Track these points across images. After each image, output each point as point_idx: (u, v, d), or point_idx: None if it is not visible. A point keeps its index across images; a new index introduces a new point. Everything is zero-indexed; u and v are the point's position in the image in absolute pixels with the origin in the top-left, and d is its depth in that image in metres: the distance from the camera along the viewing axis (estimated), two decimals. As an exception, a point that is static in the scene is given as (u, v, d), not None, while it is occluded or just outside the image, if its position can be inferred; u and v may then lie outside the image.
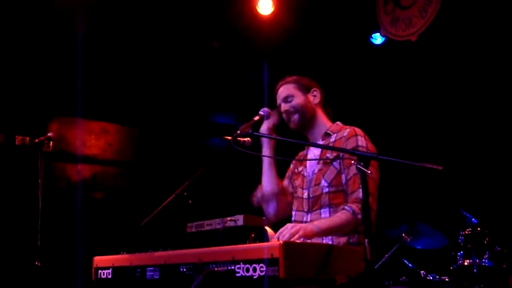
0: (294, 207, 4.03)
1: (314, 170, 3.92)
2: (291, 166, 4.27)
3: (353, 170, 3.66)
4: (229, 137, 3.47)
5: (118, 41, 7.37)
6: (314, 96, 4.05)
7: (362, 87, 8.08)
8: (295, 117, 3.97)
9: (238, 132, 3.45)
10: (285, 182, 4.24)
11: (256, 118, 3.65)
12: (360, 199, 3.52)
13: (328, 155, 3.86)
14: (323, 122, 4.05)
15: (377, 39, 7.67)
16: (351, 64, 8.04)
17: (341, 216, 3.56)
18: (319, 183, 3.82)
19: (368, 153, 2.87)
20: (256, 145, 3.58)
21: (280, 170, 4.22)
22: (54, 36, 6.90)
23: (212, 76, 8.21)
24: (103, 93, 7.52)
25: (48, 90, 7.01)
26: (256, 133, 3.44)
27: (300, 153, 4.25)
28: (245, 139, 3.56)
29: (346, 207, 3.58)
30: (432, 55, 7.23)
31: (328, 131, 3.97)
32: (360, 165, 2.79)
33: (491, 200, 6.38)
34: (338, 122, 4.08)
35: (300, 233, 3.22)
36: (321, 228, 3.43)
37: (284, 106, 4.00)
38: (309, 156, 4.09)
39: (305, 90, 4.04)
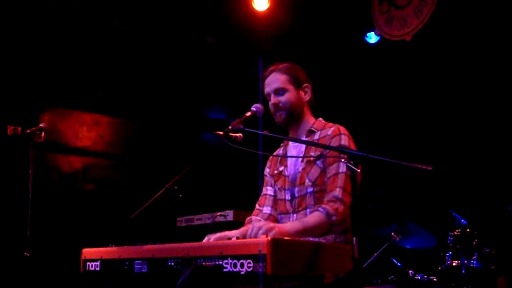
0: (279, 210, 3.97)
1: (297, 169, 3.86)
2: (267, 169, 4.19)
3: (333, 169, 3.64)
4: (220, 132, 3.46)
5: (113, 34, 7.37)
6: (306, 92, 3.99)
7: (355, 85, 8.09)
8: (283, 113, 3.91)
9: (230, 127, 3.44)
10: (268, 190, 4.11)
11: (248, 114, 3.64)
12: (336, 196, 3.53)
13: (311, 153, 3.81)
14: (308, 119, 4.00)
15: (372, 38, 7.69)
16: (345, 62, 8.06)
17: (314, 217, 3.52)
18: (304, 183, 3.77)
19: (358, 152, 2.87)
20: (248, 140, 3.57)
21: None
22: (47, 27, 6.89)
23: (206, 71, 8.22)
24: (96, 85, 7.51)
25: (40, 81, 7.00)
26: (247, 129, 3.44)
27: (277, 151, 4.19)
28: (237, 134, 3.55)
29: (320, 208, 3.54)
30: (426, 56, 7.24)
31: (312, 128, 3.92)
32: (350, 163, 2.80)
33: (480, 202, 6.39)
34: (320, 119, 4.03)
35: (274, 231, 3.22)
36: (295, 230, 3.40)
37: (274, 99, 3.93)
38: (289, 153, 4.03)
39: (298, 84, 3.96)
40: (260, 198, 4.15)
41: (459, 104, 6.99)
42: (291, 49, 7.69)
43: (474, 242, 5.49)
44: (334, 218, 3.47)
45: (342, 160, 2.92)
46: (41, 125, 5.47)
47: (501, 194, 6.02)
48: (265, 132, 3.43)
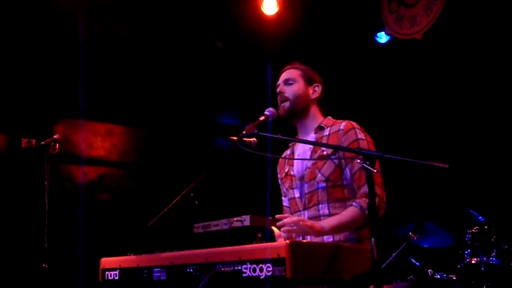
0: (291, 210, 3.95)
1: (306, 165, 3.83)
2: (278, 175, 4.17)
3: (357, 164, 3.61)
4: (234, 138, 3.46)
5: (123, 42, 7.39)
6: (315, 90, 3.97)
7: (368, 86, 8.07)
8: (286, 104, 3.89)
9: (244, 132, 3.44)
10: (284, 202, 4.11)
11: (262, 118, 3.63)
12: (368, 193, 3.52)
13: (323, 149, 3.77)
14: (316, 116, 3.97)
15: (382, 37, 7.67)
16: (357, 64, 8.04)
17: (349, 213, 3.53)
18: (314, 178, 3.74)
19: (373, 152, 2.86)
20: (262, 145, 3.57)
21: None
22: (59, 38, 6.92)
23: (217, 77, 8.22)
24: (108, 94, 7.53)
25: (53, 92, 7.03)
26: (262, 133, 3.43)
27: (284, 153, 4.17)
28: (251, 139, 3.55)
29: (354, 203, 3.54)
30: (438, 54, 7.21)
31: (322, 125, 3.88)
32: (366, 164, 2.79)
33: (498, 198, 6.36)
34: (329, 117, 3.99)
35: (310, 234, 3.24)
36: (331, 226, 3.43)
37: (281, 87, 3.95)
38: (297, 152, 3.99)
39: (308, 81, 3.96)
40: (283, 209, 4.15)
41: (473, 101, 6.95)
42: (301, 52, 7.68)
43: (492, 239, 5.46)
44: (367, 212, 3.46)
45: (358, 161, 2.90)
46: (55, 136, 5.49)
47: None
48: (278, 136, 3.43)
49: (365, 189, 3.54)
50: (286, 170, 4.00)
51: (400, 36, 7.29)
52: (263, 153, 3.51)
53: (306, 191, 3.80)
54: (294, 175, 3.91)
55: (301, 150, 3.97)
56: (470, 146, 6.89)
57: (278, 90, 3.96)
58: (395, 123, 7.71)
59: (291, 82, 3.94)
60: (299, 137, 4.01)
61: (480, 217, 5.61)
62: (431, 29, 6.92)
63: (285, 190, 4.03)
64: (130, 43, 7.44)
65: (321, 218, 3.67)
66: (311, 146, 3.87)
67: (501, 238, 5.49)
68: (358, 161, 2.89)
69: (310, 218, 3.72)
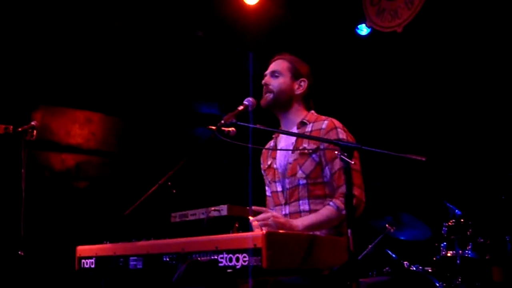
0: (273, 203, 3.96)
1: (288, 160, 3.84)
2: (261, 166, 4.16)
3: (338, 163, 3.62)
4: (213, 127, 3.45)
5: (103, 30, 7.33)
6: (300, 85, 3.95)
7: (347, 78, 8.09)
8: (269, 96, 3.89)
9: (222, 122, 3.43)
10: (267, 191, 4.12)
11: (241, 108, 3.62)
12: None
13: (305, 145, 3.78)
14: (299, 111, 3.95)
15: (363, 30, 7.68)
16: (337, 55, 8.05)
17: (325, 212, 3.55)
18: (295, 174, 3.75)
19: (352, 144, 2.87)
20: (241, 135, 3.56)
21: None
22: (38, 24, 6.86)
23: (197, 66, 8.19)
24: (87, 82, 7.48)
25: (32, 79, 6.97)
26: (240, 123, 3.42)
27: (268, 144, 4.16)
28: (230, 129, 3.54)
29: (330, 203, 3.56)
30: (417, 47, 7.24)
31: (304, 120, 3.88)
32: (344, 155, 2.79)
33: (474, 192, 6.41)
34: (312, 111, 3.99)
35: (284, 229, 3.27)
36: (304, 225, 3.46)
37: (267, 79, 3.94)
38: (280, 145, 3.99)
39: (295, 75, 3.95)
40: (266, 199, 4.16)
41: (452, 95, 7.00)
42: (282, 43, 7.67)
43: (468, 232, 5.50)
44: (344, 212, 3.47)
45: (336, 152, 2.90)
46: (32, 123, 5.43)
47: (495, 184, 6.03)
48: (257, 126, 3.42)
49: (343, 189, 3.54)
50: (269, 162, 4.00)
51: (381, 29, 7.30)
52: (242, 143, 3.50)
53: (288, 186, 3.81)
54: (276, 169, 3.91)
55: (284, 144, 3.96)
56: (448, 139, 6.93)
57: (263, 81, 3.95)
58: (374, 116, 7.74)
59: (277, 75, 3.93)
60: (281, 129, 4.01)
61: (456, 211, 5.65)
62: (411, 22, 6.94)
63: (268, 182, 4.03)
64: (111, 31, 7.39)
65: (302, 213, 3.70)
66: (293, 141, 3.87)
67: (477, 232, 5.53)
68: (336, 152, 2.89)
69: (291, 213, 3.75)
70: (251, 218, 3.56)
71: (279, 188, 3.87)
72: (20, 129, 5.37)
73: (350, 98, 7.94)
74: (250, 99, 3.71)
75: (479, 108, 6.75)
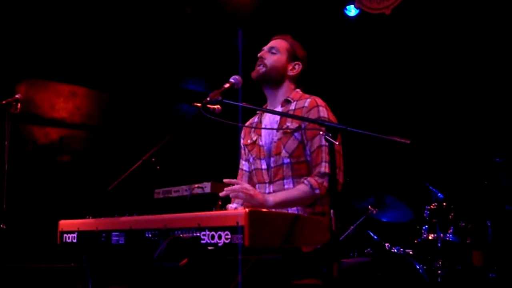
0: (256, 179, 3.95)
1: (273, 138, 3.85)
2: (242, 140, 4.17)
3: (316, 142, 3.64)
4: (198, 104, 3.43)
5: (89, 4, 7.27)
6: (294, 68, 3.97)
7: (334, 58, 8.07)
8: (262, 69, 3.90)
9: (208, 99, 3.42)
10: (244, 165, 4.12)
11: (227, 85, 3.60)
12: (322, 173, 3.56)
13: (288, 124, 3.78)
14: (287, 91, 3.96)
15: (351, 11, 7.67)
16: (325, 35, 8.03)
17: (298, 190, 3.57)
18: (280, 153, 3.76)
19: (337, 125, 2.86)
20: (226, 112, 3.55)
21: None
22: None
23: (185, 42, 8.15)
24: (72, 55, 7.42)
25: (16, 52, 6.91)
26: (226, 101, 3.41)
27: (251, 120, 4.18)
28: (215, 106, 3.52)
29: (305, 181, 3.56)
30: (406, 30, 7.24)
31: (289, 98, 3.89)
32: (328, 136, 2.79)
33: (457, 176, 6.44)
34: (298, 90, 4.00)
35: (252, 203, 3.28)
36: (275, 201, 3.47)
37: (263, 53, 3.96)
38: (264, 123, 4.00)
39: (292, 57, 3.97)
40: (238, 172, 4.15)
41: (437, 79, 7.01)
42: (270, 20, 7.65)
43: (450, 216, 5.54)
44: (317, 191, 3.49)
45: (321, 132, 2.91)
46: (17, 96, 5.40)
47: (477, 169, 6.07)
48: (244, 104, 3.41)
49: (319, 168, 3.58)
50: (254, 138, 3.99)
51: (370, 10, 7.30)
52: (227, 120, 3.49)
53: (272, 165, 3.82)
54: (262, 146, 3.91)
55: (268, 121, 3.97)
56: (433, 123, 6.95)
57: (260, 54, 3.97)
58: (360, 97, 7.74)
59: (275, 52, 3.95)
60: (267, 107, 4.01)
61: (439, 194, 5.68)
62: (400, 4, 6.93)
63: (251, 159, 4.01)
64: (98, 4, 7.32)
65: None
66: (278, 119, 3.88)
67: (459, 216, 5.57)
68: (321, 132, 2.90)
69: (274, 191, 3.75)
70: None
71: (264, 166, 3.87)
72: (4, 102, 5.34)
73: (336, 79, 7.93)
74: (237, 77, 3.69)
75: (464, 92, 6.77)
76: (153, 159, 3.62)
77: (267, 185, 3.84)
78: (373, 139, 2.77)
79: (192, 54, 8.30)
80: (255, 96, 3.92)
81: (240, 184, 3.43)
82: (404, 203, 5.77)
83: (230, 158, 4.43)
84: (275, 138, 3.82)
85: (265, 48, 4.01)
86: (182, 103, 8.53)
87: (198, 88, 8.81)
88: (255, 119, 4.13)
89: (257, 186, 3.92)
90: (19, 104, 5.38)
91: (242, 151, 4.15)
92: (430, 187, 5.74)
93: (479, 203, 5.87)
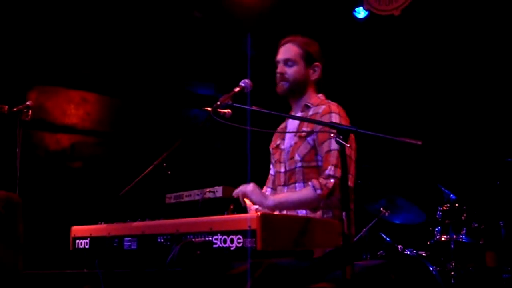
0: (276, 182, 4.01)
1: (291, 143, 3.88)
2: (272, 143, 4.19)
3: (326, 147, 3.65)
4: (209, 108, 3.44)
5: (99, 10, 7.29)
6: (314, 71, 3.98)
7: (344, 60, 8.06)
8: (285, 84, 3.90)
9: (218, 103, 3.42)
10: (271, 170, 4.17)
11: (237, 89, 3.61)
12: (327, 174, 3.56)
13: (304, 128, 3.82)
14: (310, 96, 3.97)
15: (360, 13, 7.66)
16: (334, 38, 8.02)
17: (300, 192, 3.62)
18: (293, 157, 3.79)
19: (347, 127, 2.86)
20: (236, 116, 3.55)
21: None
22: (34, 4, 6.82)
23: (194, 46, 8.16)
24: (83, 62, 7.45)
25: (27, 59, 6.94)
26: (236, 105, 3.41)
27: (281, 126, 4.19)
28: (225, 110, 3.52)
29: (310, 183, 3.57)
30: (415, 30, 7.22)
31: (308, 103, 3.90)
32: (339, 138, 2.78)
33: (469, 177, 6.42)
34: (320, 95, 4.00)
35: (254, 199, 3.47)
36: (275, 201, 3.54)
37: (281, 68, 3.93)
38: (288, 128, 4.03)
39: (309, 61, 3.96)
40: (268, 177, 4.22)
41: (448, 80, 6.99)
42: (279, 24, 7.64)
43: (463, 217, 5.52)
44: (319, 191, 3.49)
45: (332, 135, 2.90)
46: (28, 103, 5.41)
47: (490, 169, 6.04)
48: (254, 108, 3.41)
49: (327, 171, 3.58)
50: (278, 143, 4.04)
51: (379, 12, 7.28)
52: (238, 124, 3.49)
53: (287, 168, 3.86)
54: (283, 150, 3.95)
55: (291, 126, 4.01)
56: (445, 123, 6.93)
57: (278, 70, 3.94)
58: (371, 99, 7.73)
59: (291, 64, 3.92)
60: (291, 114, 4.03)
61: (451, 195, 5.66)
62: (409, 5, 6.92)
63: (273, 161, 4.09)
64: (107, 11, 7.35)
65: None
66: (297, 124, 3.92)
67: (472, 216, 5.55)
68: (332, 135, 2.90)
69: None
70: (246, 200, 3.57)
71: (282, 169, 3.92)
72: (15, 109, 5.35)
73: (346, 81, 7.92)
74: (247, 80, 3.70)
75: (476, 92, 6.75)
76: (164, 164, 3.62)
77: (282, 187, 3.89)
78: (384, 141, 2.77)
79: (202, 58, 8.31)
80: (264, 100, 3.93)
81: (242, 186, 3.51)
82: (416, 204, 5.76)
83: (241, 162, 4.42)
84: (292, 143, 3.87)
85: (280, 60, 3.96)
86: (193, 108, 8.54)
87: (208, 92, 8.81)
88: (282, 125, 4.16)
89: (278, 188, 3.98)
90: (30, 111, 5.39)
91: (271, 156, 4.20)
92: (442, 188, 5.73)
93: (491, 204, 5.85)
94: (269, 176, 4.19)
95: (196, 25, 7.97)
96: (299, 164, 3.76)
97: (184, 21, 7.89)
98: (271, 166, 4.18)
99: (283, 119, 4.19)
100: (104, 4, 7.28)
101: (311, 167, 3.73)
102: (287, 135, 3.97)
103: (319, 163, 3.72)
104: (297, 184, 3.77)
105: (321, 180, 3.54)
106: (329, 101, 3.90)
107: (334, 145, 3.60)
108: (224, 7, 7.75)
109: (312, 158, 3.73)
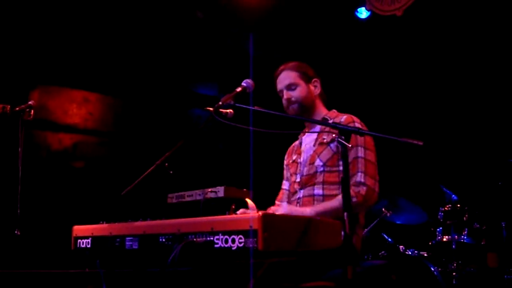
0: (290, 193, 4.14)
1: (309, 153, 3.99)
2: (285, 161, 4.33)
3: (352, 154, 3.75)
4: (211, 108, 3.44)
5: (102, 11, 7.29)
6: (315, 86, 4.13)
7: (346, 61, 8.06)
8: (295, 106, 4.03)
9: (220, 103, 3.42)
10: (285, 185, 4.28)
11: (239, 89, 3.61)
12: (358, 182, 3.70)
13: (324, 137, 3.91)
14: (321, 110, 4.13)
15: (363, 13, 7.65)
16: (336, 38, 8.02)
17: (337, 200, 3.67)
18: (314, 163, 3.89)
19: (349, 127, 2.87)
20: (239, 116, 3.55)
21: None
22: (36, 3, 6.82)
23: (196, 47, 8.16)
24: (85, 62, 7.45)
25: (30, 58, 6.95)
26: (238, 105, 3.41)
27: (294, 143, 4.32)
28: (227, 110, 3.52)
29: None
30: (417, 31, 7.22)
31: (326, 117, 4.04)
32: (341, 138, 2.79)
33: (471, 178, 6.41)
34: (334, 110, 4.14)
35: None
36: (317, 212, 3.57)
37: (286, 94, 4.05)
38: (304, 143, 4.14)
39: (307, 79, 4.10)
40: (279, 192, 4.31)
41: (450, 80, 6.98)
42: (282, 25, 7.64)
43: (464, 218, 5.52)
44: (354, 199, 3.60)
45: (334, 135, 2.92)
46: (30, 102, 5.41)
47: (492, 170, 6.04)
48: (256, 108, 3.41)
49: (355, 178, 3.71)
50: (294, 158, 4.16)
51: (381, 12, 7.27)
52: (240, 124, 3.49)
53: (305, 173, 3.95)
54: (300, 162, 4.06)
55: (308, 140, 4.12)
56: (447, 124, 6.93)
57: (285, 97, 4.07)
58: (373, 99, 7.73)
59: (294, 87, 4.06)
60: (307, 131, 4.20)
61: (453, 196, 5.66)
62: (411, 6, 6.91)
63: (288, 175, 4.19)
64: (110, 11, 7.35)
65: (315, 197, 3.85)
66: (315, 136, 4.03)
67: (473, 217, 5.55)
68: (334, 136, 2.93)
69: (304, 196, 3.91)
70: (248, 200, 3.57)
71: (298, 179, 4.01)
72: (17, 108, 5.35)
73: (349, 81, 7.92)
74: (249, 80, 3.70)
75: (478, 93, 6.74)
76: (166, 164, 3.62)
77: (298, 191, 3.99)
78: (386, 141, 2.77)
79: (204, 58, 8.31)
80: (267, 100, 3.94)
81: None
82: (418, 205, 5.76)
83: (242, 162, 4.43)
84: (311, 152, 3.98)
85: (282, 88, 4.10)
86: (195, 108, 8.54)
87: (210, 92, 8.82)
88: (297, 142, 4.29)
89: (291, 195, 4.10)
90: (32, 111, 5.38)
91: (285, 172, 4.33)
92: (444, 189, 5.73)
93: (493, 204, 5.85)
94: (282, 191, 4.29)
95: (198, 25, 7.97)
96: (320, 169, 3.87)
97: (187, 21, 7.89)
98: (284, 181, 4.30)
99: (294, 124, 4.24)
100: (106, 4, 7.29)
101: (333, 172, 3.85)
102: (304, 150, 4.07)
103: (341, 168, 3.75)
104: (315, 187, 3.87)
105: (354, 188, 3.66)
106: (347, 114, 4.03)
107: (362, 153, 3.76)
108: (227, 7, 7.75)
109: (334, 163, 3.85)
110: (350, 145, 2.82)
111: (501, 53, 6.57)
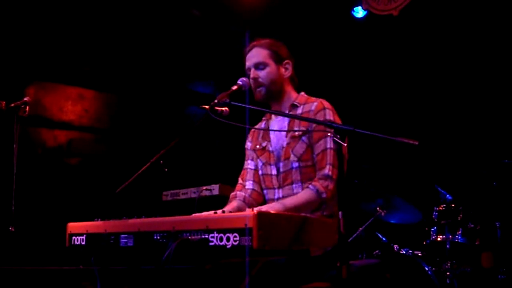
0: (264, 185, 3.97)
1: (282, 144, 3.84)
2: (249, 143, 4.15)
3: (321, 145, 3.64)
4: (206, 106, 3.44)
5: (98, 7, 7.29)
6: (286, 68, 3.93)
7: (342, 60, 8.07)
8: (262, 89, 3.85)
9: (216, 101, 3.42)
10: (249, 164, 4.10)
11: (234, 87, 3.61)
12: (326, 175, 3.56)
13: (295, 128, 3.78)
14: (290, 94, 3.94)
15: (359, 12, 7.66)
16: (332, 37, 8.02)
17: (304, 195, 3.55)
18: (289, 158, 3.77)
19: (345, 126, 2.86)
20: (234, 114, 3.55)
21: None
22: (32, 0, 6.82)
23: (192, 44, 8.16)
24: (81, 58, 7.45)
25: (25, 55, 6.94)
26: (234, 103, 3.42)
27: (258, 125, 4.14)
28: (223, 108, 3.53)
29: (310, 185, 3.55)
30: (413, 30, 7.23)
31: (295, 103, 3.87)
32: (336, 137, 2.79)
33: (466, 177, 6.42)
34: (302, 93, 3.98)
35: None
36: (286, 207, 3.44)
37: (254, 73, 3.86)
38: (271, 128, 3.98)
39: (279, 60, 3.90)
40: (242, 172, 4.14)
41: (446, 80, 6.99)
42: (278, 23, 7.65)
43: (459, 218, 5.53)
44: (324, 195, 3.49)
45: (329, 134, 2.91)
46: (25, 99, 5.41)
47: (486, 170, 6.05)
48: (251, 106, 3.42)
49: (323, 171, 3.59)
50: (264, 144, 3.97)
51: (377, 12, 7.28)
52: (235, 122, 3.49)
53: (281, 170, 3.82)
54: (272, 152, 3.90)
55: (276, 127, 3.96)
56: (442, 124, 6.94)
57: (251, 76, 3.86)
58: (368, 98, 7.73)
59: (263, 67, 3.86)
60: (274, 117, 4.01)
61: (447, 195, 5.66)
62: (408, 5, 6.92)
63: (260, 164, 4.00)
64: (106, 7, 7.34)
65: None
66: (286, 124, 3.88)
67: (468, 217, 5.56)
68: (329, 134, 2.91)
69: (284, 196, 3.77)
70: None
71: (274, 172, 3.88)
72: (12, 104, 5.35)
73: (344, 80, 7.92)
74: (244, 79, 3.70)
75: (473, 93, 6.75)
76: (161, 162, 3.62)
77: (276, 190, 3.86)
78: (381, 141, 2.77)
79: (200, 56, 8.31)
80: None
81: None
82: (413, 204, 5.76)
83: (238, 160, 4.42)
84: (284, 144, 3.82)
85: (250, 66, 3.90)
86: (190, 105, 8.54)
87: (206, 90, 8.81)
88: (262, 125, 4.11)
89: (265, 191, 3.94)
90: (27, 107, 5.38)
91: (248, 153, 4.14)
92: (439, 189, 5.73)
93: (488, 205, 5.86)
94: (248, 170, 4.10)
95: (195, 23, 7.97)
96: (295, 164, 3.74)
97: (183, 19, 7.89)
98: (248, 161, 4.12)
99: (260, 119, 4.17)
100: (103, 1, 7.28)
101: (308, 166, 3.72)
102: (274, 136, 3.93)
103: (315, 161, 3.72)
104: (294, 185, 3.75)
105: (322, 182, 3.54)
106: (317, 98, 3.89)
107: (331, 144, 3.61)
108: (223, 5, 7.75)
109: (309, 157, 3.71)
110: (345, 144, 2.82)
111: (497, 53, 6.58)
